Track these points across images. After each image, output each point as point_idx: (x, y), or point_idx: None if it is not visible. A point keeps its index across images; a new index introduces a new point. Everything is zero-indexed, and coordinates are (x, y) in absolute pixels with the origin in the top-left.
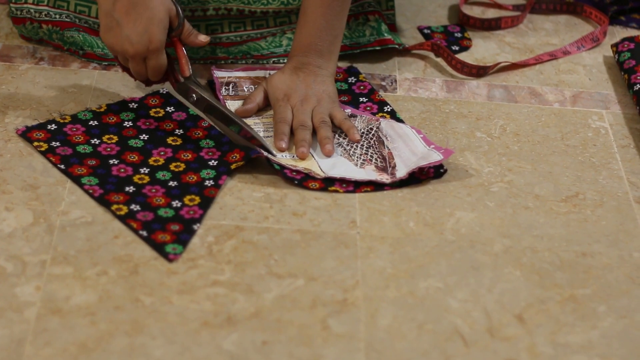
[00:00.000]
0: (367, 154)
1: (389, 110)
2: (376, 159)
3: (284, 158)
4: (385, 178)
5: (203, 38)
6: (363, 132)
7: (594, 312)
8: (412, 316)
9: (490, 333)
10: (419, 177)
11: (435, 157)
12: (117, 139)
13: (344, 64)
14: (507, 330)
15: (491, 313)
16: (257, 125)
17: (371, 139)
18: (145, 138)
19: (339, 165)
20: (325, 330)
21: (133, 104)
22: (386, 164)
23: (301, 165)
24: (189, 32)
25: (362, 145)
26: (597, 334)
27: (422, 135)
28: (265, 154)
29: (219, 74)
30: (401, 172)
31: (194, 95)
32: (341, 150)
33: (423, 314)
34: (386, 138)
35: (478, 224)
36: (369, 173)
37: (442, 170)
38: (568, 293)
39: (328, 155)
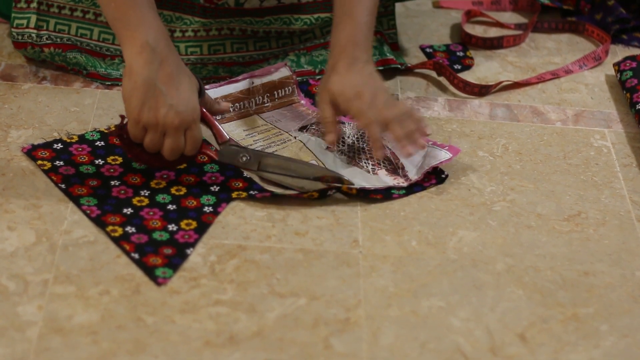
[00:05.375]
0: (373, 158)
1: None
2: (383, 162)
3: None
4: (401, 182)
5: (224, 105)
6: (357, 137)
7: (597, 331)
8: (415, 335)
9: (493, 352)
10: (422, 183)
11: (443, 155)
12: (121, 160)
13: None
14: (510, 350)
15: (493, 332)
16: (257, 143)
17: (368, 141)
18: None
19: (354, 175)
20: (327, 350)
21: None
22: (394, 165)
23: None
24: (211, 101)
25: (364, 149)
26: (599, 353)
27: None
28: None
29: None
30: (412, 173)
31: (245, 155)
32: (347, 159)
33: (425, 333)
34: (383, 139)
35: (480, 242)
36: (384, 179)
37: (443, 176)
38: (570, 312)
39: (409, 156)
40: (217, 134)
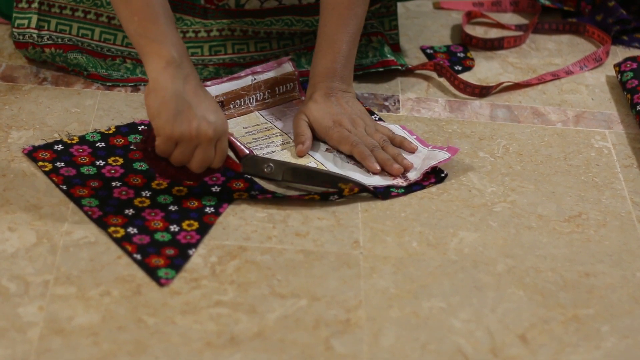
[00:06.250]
0: None
1: (376, 119)
2: None
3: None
4: (400, 182)
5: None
6: None
7: (597, 332)
8: (415, 336)
9: (494, 353)
10: (422, 182)
11: (442, 155)
12: (122, 161)
13: None
14: (511, 351)
15: (494, 333)
16: (256, 142)
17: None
18: None
19: (353, 175)
20: (328, 351)
21: (142, 126)
22: None
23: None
24: None
25: None
26: (600, 354)
27: (415, 136)
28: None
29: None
30: (412, 175)
31: (269, 165)
32: (347, 159)
33: (426, 334)
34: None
35: (481, 244)
36: (383, 179)
37: (442, 175)
38: (571, 313)
39: (398, 173)
40: (238, 148)
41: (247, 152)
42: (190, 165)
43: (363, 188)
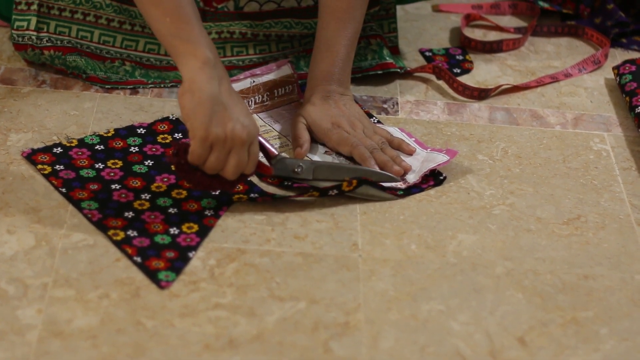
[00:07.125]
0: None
1: (375, 121)
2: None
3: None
4: (399, 184)
5: None
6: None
7: (596, 334)
8: (414, 339)
9: (492, 356)
10: (420, 185)
11: (441, 158)
12: (121, 164)
13: None
14: (509, 353)
15: (493, 336)
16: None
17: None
18: (150, 164)
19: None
20: (327, 353)
21: (141, 129)
22: None
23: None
24: None
25: None
26: (599, 356)
27: (414, 139)
28: (386, 184)
29: None
30: (411, 177)
31: (299, 165)
32: (345, 162)
33: (425, 337)
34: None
35: (480, 246)
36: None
37: (441, 178)
38: (570, 316)
39: (398, 174)
40: (268, 150)
41: (277, 153)
42: (224, 171)
43: (365, 181)
